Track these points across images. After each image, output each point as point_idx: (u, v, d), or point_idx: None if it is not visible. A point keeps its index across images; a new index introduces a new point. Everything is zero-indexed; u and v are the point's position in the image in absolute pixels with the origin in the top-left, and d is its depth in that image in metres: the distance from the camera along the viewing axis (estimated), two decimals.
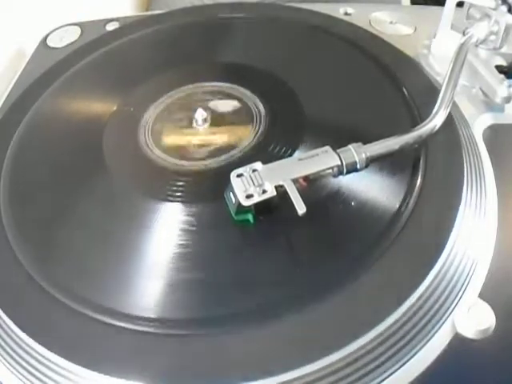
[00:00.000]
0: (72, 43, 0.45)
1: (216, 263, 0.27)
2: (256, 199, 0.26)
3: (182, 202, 0.29)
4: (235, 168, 0.27)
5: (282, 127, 0.32)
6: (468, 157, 0.30)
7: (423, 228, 0.27)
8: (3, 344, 0.26)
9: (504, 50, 0.35)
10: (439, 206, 0.28)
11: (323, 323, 0.24)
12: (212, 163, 0.31)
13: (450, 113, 0.30)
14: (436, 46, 0.39)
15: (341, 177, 0.27)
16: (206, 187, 0.30)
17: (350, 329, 0.23)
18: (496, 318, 0.25)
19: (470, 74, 0.35)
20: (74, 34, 0.46)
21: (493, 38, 0.34)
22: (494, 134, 0.34)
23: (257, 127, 0.32)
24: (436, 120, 0.29)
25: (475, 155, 0.31)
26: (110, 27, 0.45)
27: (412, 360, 0.24)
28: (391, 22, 0.43)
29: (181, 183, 0.30)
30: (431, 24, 0.39)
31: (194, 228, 0.28)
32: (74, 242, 0.29)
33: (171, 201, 0.29)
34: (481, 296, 0.26)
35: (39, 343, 0.24)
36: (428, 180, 0.29)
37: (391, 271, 0.25)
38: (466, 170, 0.29)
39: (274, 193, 0.26)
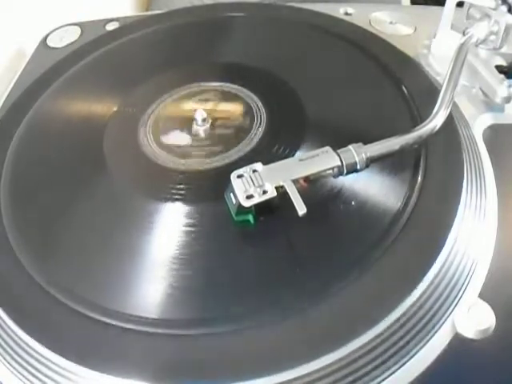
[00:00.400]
0: (72, 43, 0.45)
1: (216, 263, 0.27)
2: (256, 200, 0.26)
3: (182, 202, 0.29)
4: (235, 168, 0.27)
5: (282, 127, 0.32)
6: (468, 157, 0.30)
7: (423, 228, 0.27)
8: (3, 344, 0.26)
9: (504, 50, 0.35)
10: (439, 206, 0.28)
11: (323, 323, 0.24)
12: (212, 164, 0.31)
13: (450, 113, 0.30)
14: (436, 46, 0.39)
15: (341, 177, 0.27)
16: (207, 188, 0.30)
17: (350, 328, 0.23)
18: (496, 318, 0.25)
19: (470, 74, 0.35)
20: (74, 34, 0.46)
21: (493, 38, 0.34)
22: (494, 134, 0.34)
23: (257, 127, 0.32)
24: (436, 120, 0.29)
25: (475, 155, 0.31)
26: (110, 27, 0.45)
27: (412, 360, 0.24)
28: (391, 22, 0.43)
29: (181, 184, 0.30)
30: (431, 24, 0.39)
31: (195, 228, 0.28)
32: (75, 243, 0.29)
33: (171, 201, 0.29)
34: (481, 296, 0.26)
35: (39, 343, 0.24)
36: (428, 180, 0.29)
37: (391, 271, 0.25)
38: (466, 170, 0.29)
39: (275, 193, 0.26)
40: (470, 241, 0.27)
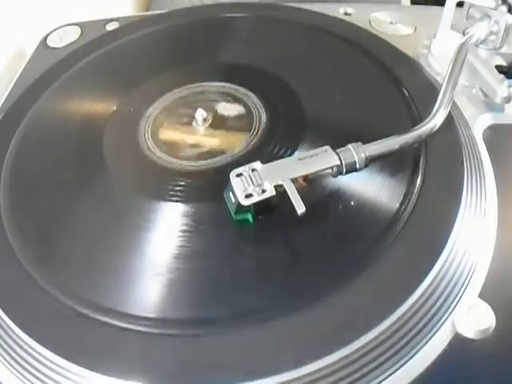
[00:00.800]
0: (72, 43, 0.45)
1: (216, 263, 0.27)
2: (255, 199, 0.26)
3: (181, 201, 0.29)
4: (235, 168, 0.27)
5: (282, 127, 0.32)
6: (468, 157, 0.30)
7: (423, 228, 0.27)
8: (3, 344, 0.26)
9: (504, 50, 0.35)
10: (439, 206, 0.28)
11: (323, 323, 0.24)
12: (212, 163, 0.31)
13: (449, 113, 0.30)
14: (436, 46, 0.39)
15: (340, 176, 0.27)
16: (206, 187, 0.30)
17: (350, 329, 0.23)
18: (496, 318, 0.25)
19: (469, 73, 0.35)
20: (74, 34, 0.46)
21: (493, 38, 0.34)
22: (494, 134, 0.34)
23: (257, 127, 0.32)
24: (436, 120, 0.29)
25: (475, 155, 0.31)
26: (110, 27, 0.45)
27: (412, 360, 0.24)
28: (391, 22, 0.43)
29: (180, 183, 0.30)
30: (431, 24, 0.39)
31: (194, 228, 0.28)
32: (74, 242, 0.29)
33: (170, 201, 0.29)
34: (481, 296, 0.26)
35: (39, 343, 0.24)
36: (428, 180, 0.29)
37: (391, 271, 0.25)
38: (466, 170, 0.29)
39: (274, 192, 0.26)
40: (469, 241, 0.27)
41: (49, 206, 0.31)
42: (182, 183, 0.30)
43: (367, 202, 0.28)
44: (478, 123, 0.34)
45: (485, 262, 0.27)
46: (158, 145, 0.32)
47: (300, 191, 0.26)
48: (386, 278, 0.25)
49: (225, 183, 0.27)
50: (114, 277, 0.27)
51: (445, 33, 0.38)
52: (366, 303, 0.24)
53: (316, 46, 0.39)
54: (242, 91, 0.35)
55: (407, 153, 0.30)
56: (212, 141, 0.32)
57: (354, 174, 0.28)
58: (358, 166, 0.27)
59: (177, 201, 0.29)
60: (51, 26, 0.47)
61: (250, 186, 0.26)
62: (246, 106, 0.34)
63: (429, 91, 0.33)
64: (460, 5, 0.36)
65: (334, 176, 0.27)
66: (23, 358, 0.25)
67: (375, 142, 0.28)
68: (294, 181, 0.26)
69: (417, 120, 0.32)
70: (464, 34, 0.34)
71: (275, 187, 0.26)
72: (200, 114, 0.33)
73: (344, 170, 0.27)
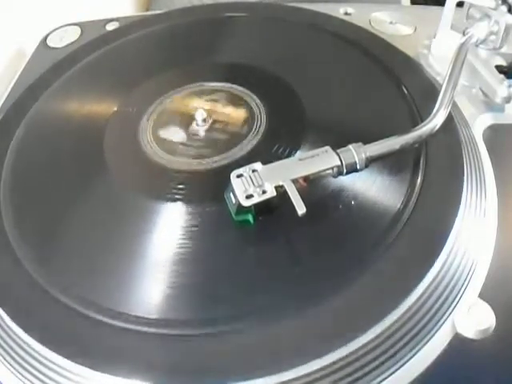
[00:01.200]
0: (72, 43, 0.45)
1: (216, 263, 0.27)
2: (256, 199, 0.26)
3: (182, 202, 0.29)
4: (235, 168, 0.27)
5: (282, 127, 0.32)
6: (468, 157, 0.30)
7: (423, 228, 0.27)
8: (3, 344, 0.26)
9: (504, 50, 0.35)
10: (439, 206, 0.28)
11: (323, 323, 0.24)
12: (212, 163, 0.31)
13: (450, 113, 0.30)
14: (436, 46, 0.39)
15: (341, 177, 0.27)
16: (206, 188, 0.30)
17: (350, 328, 0.23)
18: (496, 318, 0.25)
19: (469, 73, 0.35)
20: (74, 34, 0.46)
21: (493, 38, 0.34)
22: (494, 134, 0.34)
23: (257, 127, 0.32)
24: (436, 120, 0.29)
25: (475, 155, 0.31)
26: (110, 27, 0.45)
27: (412, 360, 0.24)
28: (391, 22, 0.43)
29: (181, 184, 0.30)
30: (431, 24, 0.39)
31: (194, 228, 0.28)
32: (75, 243, 0.29)
33: (171, 201, 0.29)
34: (481, 296, 0.26)
35: (39, 343, 0.24)
36: (428, 180, 0.29)
37: (391, 271, 0.25)
38: (466, 170, 0.29)
39: (274, 193, 0.26)
40: (469, 241, 0.27)
41: (49, 206, 0.31)
42: (183, 184, 0.30)
43: (367, 202, 0.28)
44: (478, 123, 0.34)
45: (485, 262, 0.27)
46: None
47: (300, 192, 0.26)
48: (386, 278, 0.25)
49: (225, 184, 0.27)
50: (114, 277, 0.27)
51: (445, 33, 0.38)
52: (366, 303, 0.24)
53: (316, 45, 0.39)
54: (242, 91, 0.35)
55: (408, 153, 0.30)
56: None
57: (355, 174, 0.28)
58: (358, 166, 0.27)
59: (177, 201, 0.29)
60: (51, 25, 0.47)
61: (251, 186, 0.26)
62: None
63: (429, 91, 0.33)
64: (460, 5, 0.36)
65: (335, 176, 0.27)
66: (23, 358, 0.25)
67: (376, 143, 0.28)
68: (295, 181, 0.26)
69: (417, 120, 0.32)
70: (464, 34, 0.34)
71: (276, 188, 0.26)
72: (200, 114, 0.33)
73: (344, 171, 0.27)
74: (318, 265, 0.26)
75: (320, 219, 0.27)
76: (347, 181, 0.28)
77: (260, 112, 0.33)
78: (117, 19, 0.46)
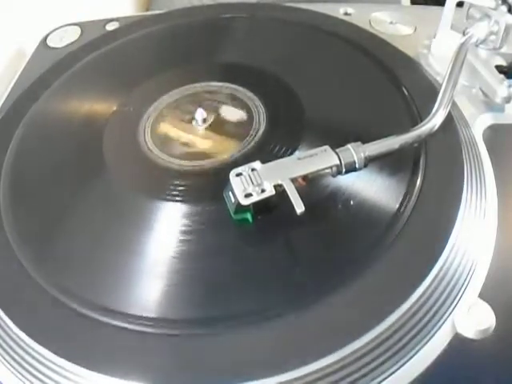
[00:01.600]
0: (72, 43, 0.45)
1: (215, 263, 0.27)
2: (255, 198, 0.26)
3: (181, 201, 0.29)
4: (235, 167, 0.27)
5: (282, 127, 0.32)
6: (468, 157, 0.30)
7: (423, 228, 0.27)
8: (3, 344, 0.26)
9: (504, 50, 0.35)
10: (439, 206, 0.28)
11: (323, 323, 0.24)
12: (211, 162, 0.31)
13: (449, 113, 0.30)
14: (436, 46, 0.39)
15: (340, 176, 0.27)
16: (206, 186, 0.30)
17: (350, 329, 0.23)
18: (496, 318, 0.25)
19: (469, 73, 0.35)
20: (74, 34, 0.46)
21: (493, 38, 0.34)
22: (494, 134, 0.34)
23: (257, 127, 0.32)
24: (435, 119, 0.29)
25: (475, 155, 0.31)
26: (110, 27, 0.45)
27: (412, 360, 0.24)
28: (391, 22, 0.43)
29: (180, 183, 0.30)
30: (431, 24, 0.39)
31: (193, 228, 0.28)
32: (74, 242, 0.29)
33: (170, 201, 0.29)
34: (481, 296, 0.26)
35: (39, 343, 0.24)
36: (428, 180, 0.29)
37: (391, 271, 0.25)
38: (466, 170, 0.29)
39: (273, 192, 0.26)
40: (469, 241, 0.27)
41: (49, 205, 0.31)
42: (182, 183, 0.30)
43: (367, 201, 0.28)
44: (478, 123, 0.34)
45: (485, 262, 0.27)
46: (158, 144, 0.32)
47: (299, 191, 0.26)
48: (385, 278, 0.25)
49: (224, 183, 0.27)
50: (114, 276, 0.27)
51: (445, 33, 0.38)
52: (366, 303, 0.24)
53: (316, 46, 0.39)
54: (241, 91, 0.35)
55: (407, 153, 0.30)
56: (212, 141, 0.32)
57: (354, 173, 0.28)
58: (357, 165, 0.27)
59: (176, 200, 0.29)
60: (51, 26, 0.47)
61: (250, 185, 0.26)
62: (245, 106, 0.34)
63: (429, 91, 0.33)
64: (460, 5, 0.36)
65: (334, 176, 0.27)
66: (23, 358, 0.25)
67: (375, 142, 0.28)
68: (294, 180, 0.26)
69: (417, 120, 0.32)
70: (464, 34, 0.34)
71: (275, 187, 0.26)
72: (200, 113, 0.33)
73: (343, 170, 0.27)
74: (317, 265, 0.26)
75: (319, 218, 0.27)
76: (346, 180, 0.28)
77: (259, 112, 0.33)
78: (117, 19, 0.46)
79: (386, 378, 0.23)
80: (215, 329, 0.24)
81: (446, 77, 0.32)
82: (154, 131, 0.33)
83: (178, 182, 0.30)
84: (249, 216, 0.27)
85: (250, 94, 0.34)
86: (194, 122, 0.33)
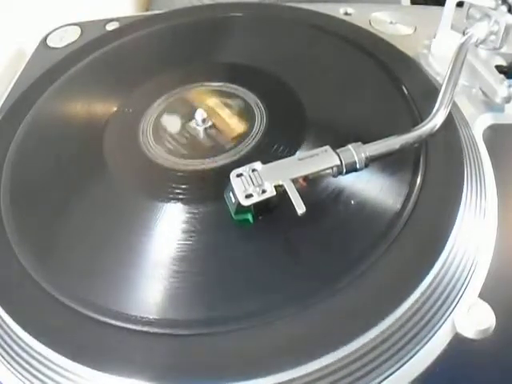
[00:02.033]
0: (72, 43, 0.45)
1: (215, 263, 0.27)
2: (255, 199, 0.26)
3: (181, 202, 0.29)
4: (235, 168, 0.27)
5: (282, 127, 0.32)
6: (468, 157, 0.30)
7: (423, 228, 0.27)
8: (3, 344, 0.26)
9: (504, 50, 0.35)
10: (439, 206, 0.28)
11: (323, 323, 0.24)
12: (212, 163, 0.31)
13: (450, 113, 0.30)
14: (436, 46, 0.39)
15: (341, 177, 0.27)
16: (206, 187, 0.30)
17: (350, 329, 0.23)
18: (496, 318, 0.25)
19: (469, 74, 0.35)
20: (74, 34, 0.46)
21: (493, 38, 0.34)
22: (494, 134, 0.34)
23: (257, 127, 0.32)
24: (436, 120, 0.29)
25: (475, 155, 0.31)
26: (110, 27, 0.45)
27: (412, 360, 0.24)
28: (391, 22, 0.43)
29: (181, 183, 0.30)
30: (431, 24, 0.39)
31: (194, 228, 0.28)
32: (75, 243, 0.29)
33: (171, 201, 0.29)
34: (481, 296, 0.26)
35: (39, 343, 0.24)
36: (428, 180, 0.29)
37: (391, 271, 0.25)
38: (466, 170, 0.29)
39: (274, 192, 0.26)
40: (469, 241, 0.27)
41: (49, 206, 0.31)
42: (183, 183, 0.30)
43: (367, 202, 0.28)
44: (478, 123, 0.34)
45: (485, 262, 0.27)
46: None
47: (300, 191, 0.26)
48: (385, 278, 0.25)
49: (225, 183, 0.27)
50: (115, 277, 0.27)
51: (445, 33, 0.38)
52: (365, 303, 0.24)
53: (316, 45, 0.39)
54: (242, 91, 0.35)
55: (407, 153, 0.30)
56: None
57: (355, 174, 0.28)
58: (358, 166, 0.27)
59: (177, 201, 0.29)
60: (51, 26, 0.47)
61: (251, 186, 0.26)
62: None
63: (429, 91, 0.33)
64: (460, 5, 0.36)
65: (334, 176, 0.27)
66: (23, 358, 0.25)
67: (375, 142, 0.28)
68: (295, 181, 0.26)
69: (417, 120, 0.32)
70: (464, 34, 0.34)
71: (275, 187, 0.26)
72: (200, 114, 0.33)
73: (344, 170, 0.27)
74: (317, 265, 0.26)
75: (319, 219, 0.27)
76: (347, 181, 0.28)
77: (260, 112, 0.33)
78: (117, 19, 0.46)
79: (386, 378, 0.23)
80: (215, 329, 0.24)
81: (446, 77, 0.32)
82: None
83: (178, 183, 0.30)
84: (249, 217, 0.27)
85: (250, 94, 0.34)
86: (193, 122, 0.33)
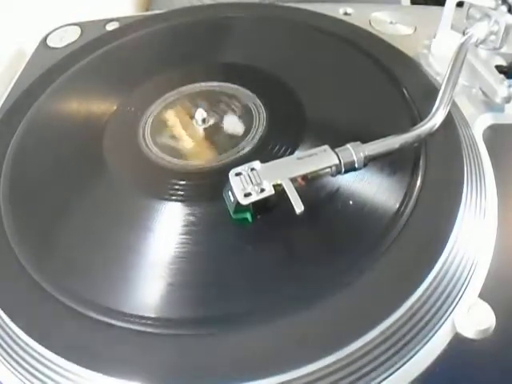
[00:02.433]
0: (72, 43, 0.45)
1: (215, 263, 0.27)
2: (254, 198, 0.26)
3: (181, 201, 0.29)
4: (234, 167, 0.27)
5: (281, 127, 0.32)
6: (468, 157, 0.30)
7: (423, 228, 0.27)
8: (3, 344, 0.26)
9: (504, 50, 0.35)
10: (439, 206, 0.28)
11: (323, 323, 0.24)
12: (211, 163, 0.31)
13: (449, 113, 0.30)
14: (436, 46, 0.39)
15: (340, 176, 0.27)
16: (206, 187, 0.30)
17: (350, 329, 0.23)
18: (496, 318, 0.25)
19: (469, 73, 0.35)
20: (74, 34, 0.46)
21: (493, 38, 0.34)
22: (494, 134, 0.34)
23: (257, 127, 0.32)
24: (435, 119, 0.29)
25: (475, 155, 0.31)
26: (110, 27, 0.45)
27: (412, 360, 0.24)
28: (391, 22, 0.43)
29: (180, 182, 0.30)
30: (431, 24, 0.39)
31: (193, 227, 0.28)
32: (75, 242, 0.29)
33: (170, 200, 0.29)
34: (481, 296, 0.26)
35: (39, 343, 0.24)
36: (428, 180, 0.29)
37: (391, 271, 0.25)
38: (466, 170, 0.29)
39: (272, 191, 0.26)
40: (469, 241, 0.27)
41: (49, 205, 0.31)
42: (182, 183, 0.30)
43: (367, 201, 0.28)
44: (478, 123, 0.34)
45: (485, 262, 0.27)
46: (158, 144, 0.32)
47: (299, 190, 0.26)
48: (385, 278, 0.25)
49: (224, 182, 0.27)
50: (114, 276, 0.27)
51: (445, 33, 0.38)
52: (365, 303, 0.24)
53: (316, 46, 0.39)
54: (241, 91, 0.35)
55: (407, 152, 0.29)
56: (211, 141, 0.32)
57: (354, 173, 0.28)
58: (356, 165, 0.27)
59: (176, 200, 0.29)
60: (51, 26, 0.47)
61: (249, 185, 0.26)
62: (245, 105, 0.34)
63: (429, 91, 0.33)
64: (460, 5, 0.36)
65: (333, 175, 0.27)
66: (23, 358, 0.25)
67: (374, 142, 0.28)
68: (293, 180, 0.26)
69: (417, 120, 0.32)
70: (464, 34, 0.34)
71: (274, 186, 0.26)
72: (200, 113, 0.33)
73: (343, 170, 0.27)
74: (317, 265, 0.26)
75: (318, 218, 0.27)
76: (346, 180, 0.28)
77: (259, 111, 0.33)
78: (117, 19, 0.46)
79: (386, 378, 0.23)
80: (215, 329, 0.24)
81: (446, 77, 0.32)
82: (154, 131, 0.33)
83: (177, 182, 0.30)
84: (248, 216, 0.27)
85: (250, 94, 0.34)
86: (193, 122, 0.33)
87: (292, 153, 0.30)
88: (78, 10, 0.51)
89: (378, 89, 0.35)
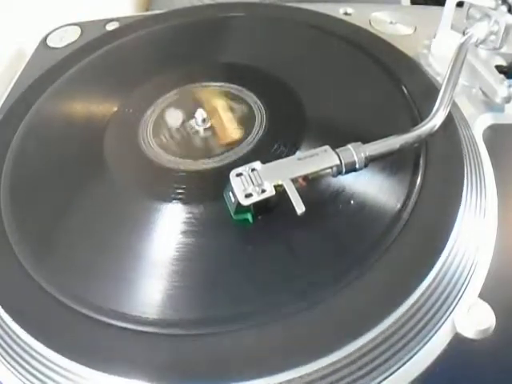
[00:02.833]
0: (72, 43, 0.45)
1: (215, 263, 0.27)
2: (255, 198, 0.26)
3: (181, 202, 0.29)
4: (235, 167, 0.27)
5: (282, 127, 0.32)
6: (468, 157, 0.30)
7: (423, 228, 0.27)
8: (3, 344, 0.26)
9: (504, 50, 0.35)
10: (439, 206, 0.28)
11: (323, 323, 0.24)
12: (212, 163, 0.31)
13: (450, 113, 0.30)
14: (436, 46, 0.39)
15: (341, 176, 0.27)
16: (206, 187, 0.30)
17: (350, 329, 0.23)
18: (496, 318, 0.25)
19: (469, 73, 0.35)
20: (74, 34, 0.46)
21: (493, 38, 0.34)
22: (494, 134, 0.34)
23: (257, 127, 0.32)
24: (435, 120, 0.29)
25: (475, 155, 0.31)
26: (110, 27, 0.45)
27: (412, 360, 0.24)
28: (391, 22, 0.43)
29: (181, 184, 0.30)
30: (431, 24, 0.39)
31: (194, 228, 0.28)
32: (75, 243, 0.29)
33: (171, 201, 0.29)
34: (481, 296, 0.26)
35: (39, 343, 0.24)
36: (428, 180, 0.29)
37: (391, 271, 0.25)
38: (466, 170, 0.29)
39: (273, 192, 0.26)
40: (470, 241, 0.27)
41: (49, 206, 0.31)
42: (183, 183, 0.30)
43: (367, 201, 0.28)
44: (478, 123, 0.34)
45: (485, 262, 0.27)
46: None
47: (300, 191, 0.26)
48: (386, 278, 0.25)
49: (225, 183, 0.27)
50: (114, 277, 0.27)
51: (445, 33, 0.38)
52: (366, 303, 0.24)
53: (316, 45, 0.39)
54: (242, 91, 0.35)
55: (407, 153, 0.30)
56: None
57: (354, 173, 0.28)
58: (357, 165, 0.27)
59: (177, 201, 0.29)
60: (51, 26, 0.47)
61: (250, 185, 0.26)
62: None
63: (429, 91, 0.33)
64: (460, 5, 0.36)
65: (334, 176, 0.27)
66: (23, 358, 0.25)
67: (375, 142, 0.28)
68: (294, 181, 0.26)
69: (417, 120, 0.32)
70: (464, 34, 0.34)
71: (275, 187, 0.26)
72: (200, 113, 0.33)
73: (344, 170, 0.27)
74: (317, 265, 0.26)
75: (319, 219, 0.27)
76: (347, 180, 0.28)
77: (260, 112, 0.33)
78: (117, 19, 0.46)
79: (386, 378, 0.23)
80: (215, 329, 0.24)
81: (446, 77, 0.32)
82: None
83: (178, 183, 0.30)
84: (249, 216, 0.27)
85: (250, 94, 0.34)
86: (194, 122, 0.33)
87: (293, 153, 0.30)
88: (78, 9, 0.51)
89: (378, 89, 0.35)
